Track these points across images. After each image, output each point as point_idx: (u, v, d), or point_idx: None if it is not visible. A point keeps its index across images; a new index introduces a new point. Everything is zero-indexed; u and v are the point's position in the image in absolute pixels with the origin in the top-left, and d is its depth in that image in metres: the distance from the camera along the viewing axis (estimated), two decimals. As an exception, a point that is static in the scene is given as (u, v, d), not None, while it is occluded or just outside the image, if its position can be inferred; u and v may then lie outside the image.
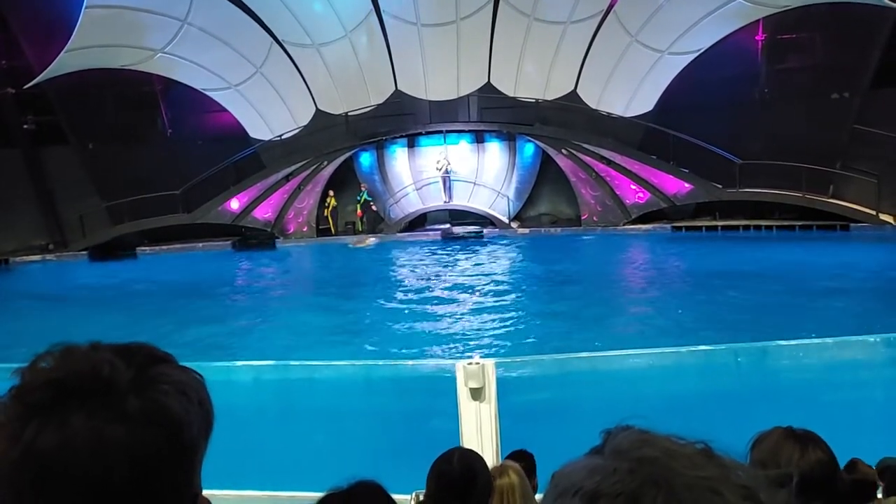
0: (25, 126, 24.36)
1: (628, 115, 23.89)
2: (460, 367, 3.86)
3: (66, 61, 22.64)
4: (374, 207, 25.33)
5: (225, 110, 25.58)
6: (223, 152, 24.67)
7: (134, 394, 0.79)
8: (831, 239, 19.94)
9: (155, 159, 24.06)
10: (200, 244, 24.28)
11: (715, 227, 22.19)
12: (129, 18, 23.04)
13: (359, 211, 25.41)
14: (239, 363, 5.63)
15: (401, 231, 25.04)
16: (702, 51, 22.64)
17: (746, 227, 21.68)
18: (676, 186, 22.88)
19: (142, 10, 23.12)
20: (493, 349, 10.22)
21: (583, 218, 23.97)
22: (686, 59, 22.93)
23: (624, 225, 23.43)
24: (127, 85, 24.09)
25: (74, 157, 24.48)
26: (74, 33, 22.35)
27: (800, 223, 20.97)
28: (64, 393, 0.77)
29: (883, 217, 20.33)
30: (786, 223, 21.21)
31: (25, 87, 23.02)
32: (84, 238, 24.11)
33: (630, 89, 23.76)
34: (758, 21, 21.99)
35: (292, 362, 5.48)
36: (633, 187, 23.31)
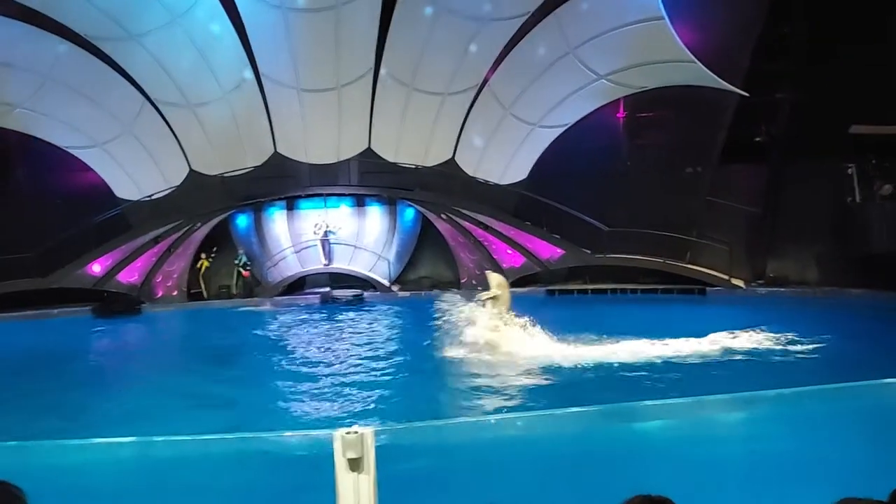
0: None
1: (504, 182, 24.83)
2: (338, 436, 3.72)
3: None
4: (245, 273, 24.55)
5: (89, 169, 24.26)
6: (86, 213, 23.29)
7: None
8: (690, 301, 21.35)
9: (7, 218, 22.32)
10: (56, 310, 22.51)
11: (585, 291, 23.21)
12: (-16, 70, 21.62)
13: (245, 272, 24.54)
14: (95, 440, 5.17)
15: (278, 295, 24.40)
16: (569, 125, 24.07)
17: (614, 291, 22.83)
18: (549, 251, 23.83)
19: (2, 64, 21.83)
20: (372, 417, 10.00)
21: (462, 281, 24.37)
22: (556, 132, 24.27)
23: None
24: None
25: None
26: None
27: (662, 287, 22.35)
28: None
29: (735, 281, 22.06)
30: (650, 287, 22.52)
31: None
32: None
33: (505, 158, 24.79)
34: (619, 100, 23.74)
35: (155, 438, 5.10)
36: (510, 252, 24.05)
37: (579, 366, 12.98)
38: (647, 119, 23.99)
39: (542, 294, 23.30)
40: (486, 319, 14.53)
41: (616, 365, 12.94)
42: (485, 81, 24.25)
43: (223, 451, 4.85)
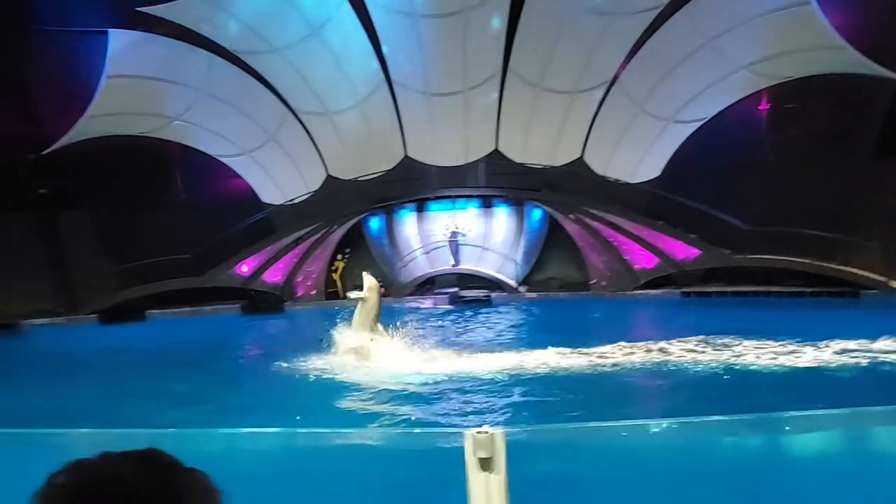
0: (40, 190, 24.80)
1: (635, 180, 24.16)
2: (469, 435, 3.80)
3: (85, 128, 23.25)
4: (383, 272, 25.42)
5: (238, 176, 26.05)
6: (235, 217, 25.00)
7: None
8: (842, 306, 19.77)
9: (168, 224, 24.36)
10: (209, 307, 24.31)
11: (724, 293, 22.09)
12: (146, 87, 23.76)
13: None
14: (242, 430, 5.56)
15: (409, 295, 25.05)
16: (706, 119, 23.05)
17: (756, 294, 21.56)
18: (685, 252, 22.91)
19: (159, 80, 23.84)
20: (504, 418, 10.05)
21: (591, 283, 23.95)
22: (692, 127, 23.33)
23: (633, 290, 23.37)
24: (142, 151, 24.58)
25: (87, 222, 24.80)
26: (93, 101, 23.03)
27: (810, 290, 20.84)
28: None
29: (894, 284, 20.20)
30: (796, 289, 21.07)
31: (43, 152, 23.57)
32: (94, 301, 24.18)
33: (636, 156, 24.13)
34: (761, 91, 22.45)
35: (299, 429, 5.41)
36: (641, 252, 23.36)
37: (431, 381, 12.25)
38: (792, 110, 22.53)
39: (677, 296, 22.45)
40: (354, 323, 14.13)
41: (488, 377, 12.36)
42: (615, 78, 23.71)
43: (356, 445, 5.10)
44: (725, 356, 13.08)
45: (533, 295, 24.14)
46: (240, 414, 10.88)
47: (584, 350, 13.94)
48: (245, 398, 12.37)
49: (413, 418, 10.20)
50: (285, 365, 14.01)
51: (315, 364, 13.89)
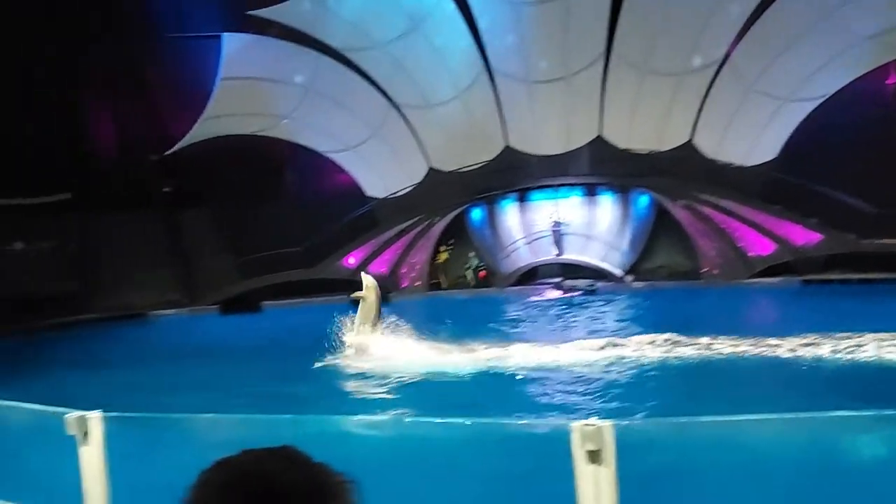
0: (165, 190, 26.50)
1: (749, 163, 23.02)
2: (576, 427, 3.76)
3: (202, 129, 24.61)
4: (482, 273, 25.57)
5: (343, 170, 26.81)
6: (342, 210, 25.75)
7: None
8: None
9: (279, 218, 25.40)
10: (319, 298, 25.18)
11: (849, 281, 20.69)
12: (258, 88, 24.85)
13: (481, 272, 25.64)
14: (355, 418, 5.75)
15: (511, 285, 24.99)
16: (827, 96, 21.64)
17: (889, 281, 20.01)
18: (805, 237, 21.65)
19: (270, 80, 24.87)
20: (611, 410, 9.86)
21: (702, 271, 23.06)
22: (810, 105, 21.97)
23: (748, 278, 22.32)
24: (256, 150, 25.73)
25: (208, 218, 26.26)
26: (209, 103, 24.34)
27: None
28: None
29: None
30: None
31: (166, 153, 25.18)
32: (215, 293, 25.61)
33: (750, 137, 22.98)
34: (889, 64, 20.83)
35: (406, 418, 5.53)
36: (757, 239, 22.25)
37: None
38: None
39: (797, 284, 21.25)
40: (356, 321, 14.51)
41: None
42: (726, 57, 22.64)
43: (466, 434, 5.14)
44: (844, 348, 12.24)
45: (640, 284, 23.51)
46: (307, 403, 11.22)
47: (688, 340, 13.45)
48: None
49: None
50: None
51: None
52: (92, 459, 8.32)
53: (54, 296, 23.24)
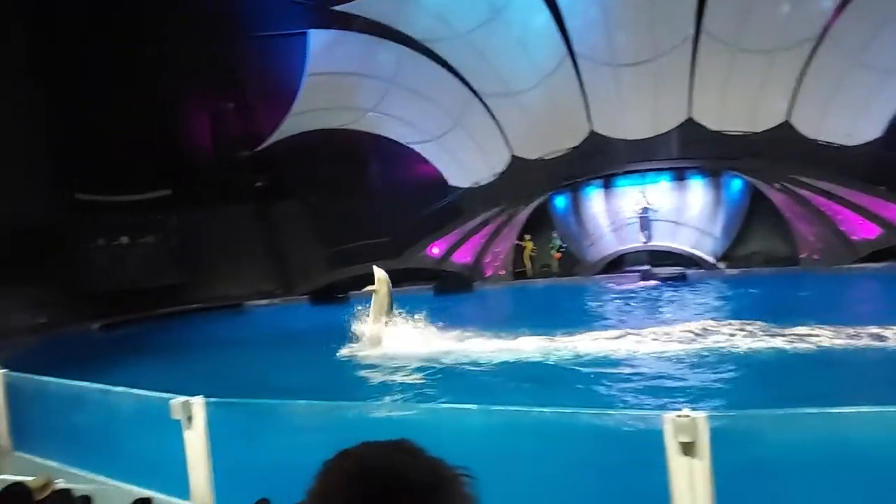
0: (257, 184, 27.52)
1: (852, 143, 21.75)
2: (669, 419, 3.68)
3: (291, 125, 25.36)
4: (556, 255, 25.32)
5: (426, 161, 27.04)
6: (425, 201, 26.00)
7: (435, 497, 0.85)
8: None
9: (365, 209, 25.91)
10: (404, 288, 25.55)
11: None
12: (343, 82, 25.37)
13: (556, 254, 25.45)
14: (444, 406, 5.82)
15: (597, 273, 24.60)
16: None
17: None
18: (914, 220, 20.31)
19: (354, 74, 25.34)
20: (705, 401, 9.58)
21: (801, 257, 22.01)
22: (921, 78, 20.53)
23: (852, 264, 21.14)
24: (342, 143, 26.31)
25: (298, 211, 27.08)
26: (297, 99, 25.03)
27: None
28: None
29: None
30: None
31: (257, 149, 26.11)
32: (305, 283, 26.42)
33: (852, 115, 21.71)
34: None
35: (494, 407, 5.55)
36: (861, 222, 21.02)
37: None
38: None
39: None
40: (370, 313, 15.03)
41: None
42: (825, 30, 21.43)
43: (555, 423, 5.12)
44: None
45: (734, 271, 22.66)
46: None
47: (783, 329, 12.88)
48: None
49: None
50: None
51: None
52: (195, 442, 8.77)
53: (158, 287, 24.59)
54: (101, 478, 9.03)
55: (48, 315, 21.57)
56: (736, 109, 23.00)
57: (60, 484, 6.33)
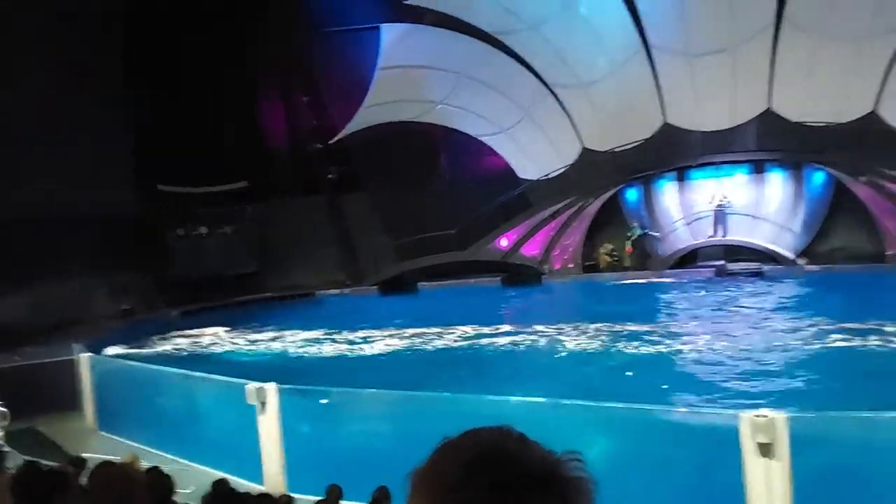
0: (329, 176, 28.06)
1: (946, 134, 20.54)
2: (746, 419, 3.58)
3: (363, 117, 25.70)
4: (628, 249, 24.82)
5: (496, 153, 26.96)
6: (494, 193, 25.96)
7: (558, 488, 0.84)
8: None
9: (434, 201, 26.06)
10: (473, 280, 25.60)
11: None
12: (414, 75, 25.53)
13: (629, 247, 24.97)
14: (513, 399, 5.85)
15: (670, 268, 24.03)
16: None
17: None
18: None
19: (425, 67, 25.47)
20: (784, 402, 9.29)
21: (887, 254, 20.94)
22: None
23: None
24: (412, 135, 26.51)
25: (368, 203, 27.48)
26: (369, 92, 25.34)
27: None
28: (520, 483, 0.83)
29: None
30: None
31: (330, 142, 26.60)
32: (375, 274, 26.81)
33: (948, 105, 20.46)
34: None
35: (562, 401, 5.53)
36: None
37: None
38: None
39: None
40: None
41: None
42: (918, 16, 20.26)
43: (626, 419, 5.07)
44: None
45: (815, 268, 21.75)
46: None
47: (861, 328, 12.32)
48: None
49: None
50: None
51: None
52: (269, 427, 9.06)
53: (235, 276, 25.45)
54: (182, 460, 9.45)
55: (132, 302, 22.60)
56: (819, 99, 21.99)
57: (143, 465, 6.66)
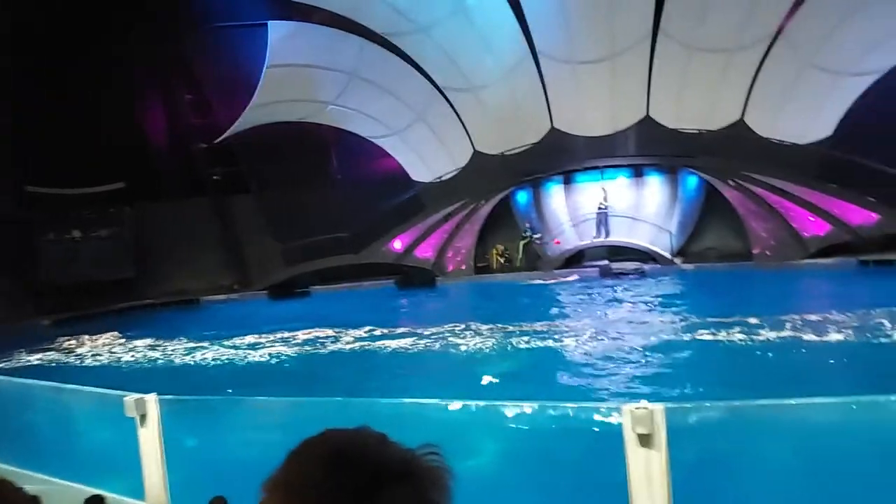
0: (214, 177, 27.03)
1: (804, 141, 22.31)
2: (627, 410, 3.71)
3: (250, 117, 24.93)
4: (536, 245, 25.47)
5: (388, 155, 26.90)
6: (387, 195, 25.89)
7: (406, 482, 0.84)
8: None
9: (325, 204, 25.68)
10: (366, 283, 25.43)
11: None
12: (303, 75, 25.03)
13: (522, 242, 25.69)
14: (406, 400, 5.81)
15: (557, 269, 24.80)
16: (888, 69, 20.78)
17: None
18: (862, 217, 20.92)
19: (314, 67, 25.03)
20: (660, 394, 9.75)
21: (754, 252, 22.51)
22: (869, 80, 21.14)
23: (802, 259, 21.70)
24: (302, 136, 26.01)
25: (256, 205, 26.71)
26: (257, 91, 24.61)
27: None
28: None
29: None
30: None
31: (215, 142, 25.62)
32: (264, 278, 26.07)
33: (805, 115, 22.24)
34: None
35: (449, 401, 5.55)
36: (812, 219, 21.60)
37: None
38: None
39: (853, 265, 20.57)
40: None
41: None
42: (779, 31, 21.90)
43: (515, 417, 5.15)
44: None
45: (689, 266, 23.08)
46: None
47: (731, 322, 13.19)
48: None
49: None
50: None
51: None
52: (149, 440, 8.56)
53: (112, 282, 24.02)
54: (54, 479, 8.78)
55: (-4, 310, 20.92)
56: (692, 108, 23.39)
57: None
